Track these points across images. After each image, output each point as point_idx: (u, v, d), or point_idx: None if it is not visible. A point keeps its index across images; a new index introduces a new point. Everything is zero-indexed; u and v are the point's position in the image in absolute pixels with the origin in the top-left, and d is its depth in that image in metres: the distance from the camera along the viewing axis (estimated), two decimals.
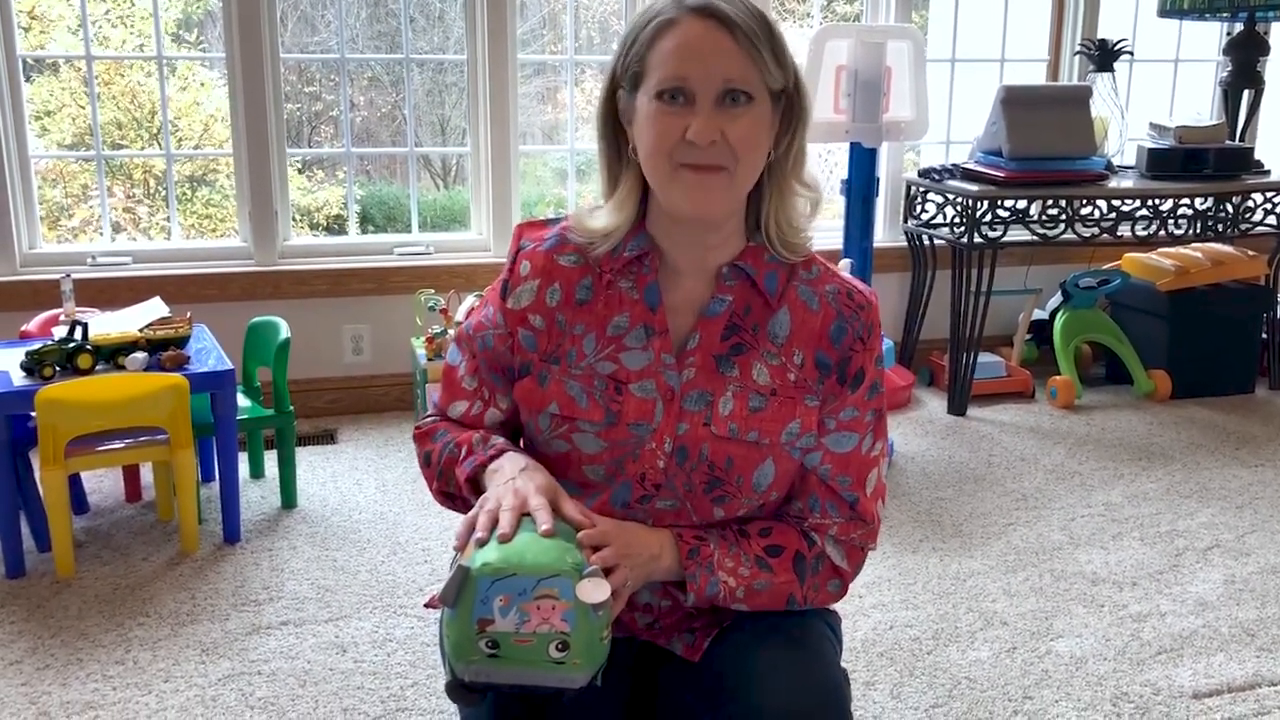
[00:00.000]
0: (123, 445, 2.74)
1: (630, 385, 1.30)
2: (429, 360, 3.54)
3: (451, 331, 3.57)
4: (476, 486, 1.29)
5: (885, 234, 4.37)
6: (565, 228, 1.37)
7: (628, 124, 1.30)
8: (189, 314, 3.00)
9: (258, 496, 3.15)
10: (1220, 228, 4.06)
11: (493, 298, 1.39)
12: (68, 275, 3.06)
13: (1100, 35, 4.28)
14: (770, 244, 1.33)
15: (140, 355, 2.74)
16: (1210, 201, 4.03)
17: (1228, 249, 4.23)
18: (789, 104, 1.29)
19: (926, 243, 4.19)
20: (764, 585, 1.30)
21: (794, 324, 1.33)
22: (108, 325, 2.86)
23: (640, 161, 1.28)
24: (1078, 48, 4.33)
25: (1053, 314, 4.29)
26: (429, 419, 1.44)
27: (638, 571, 1.24)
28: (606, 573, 1.15)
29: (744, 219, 1.34)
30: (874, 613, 2.53)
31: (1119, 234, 3.93)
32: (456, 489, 1.33)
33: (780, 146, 1.30)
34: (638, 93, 1.26)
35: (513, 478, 1.22)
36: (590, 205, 1.38)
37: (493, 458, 1.29)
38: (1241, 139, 4.31)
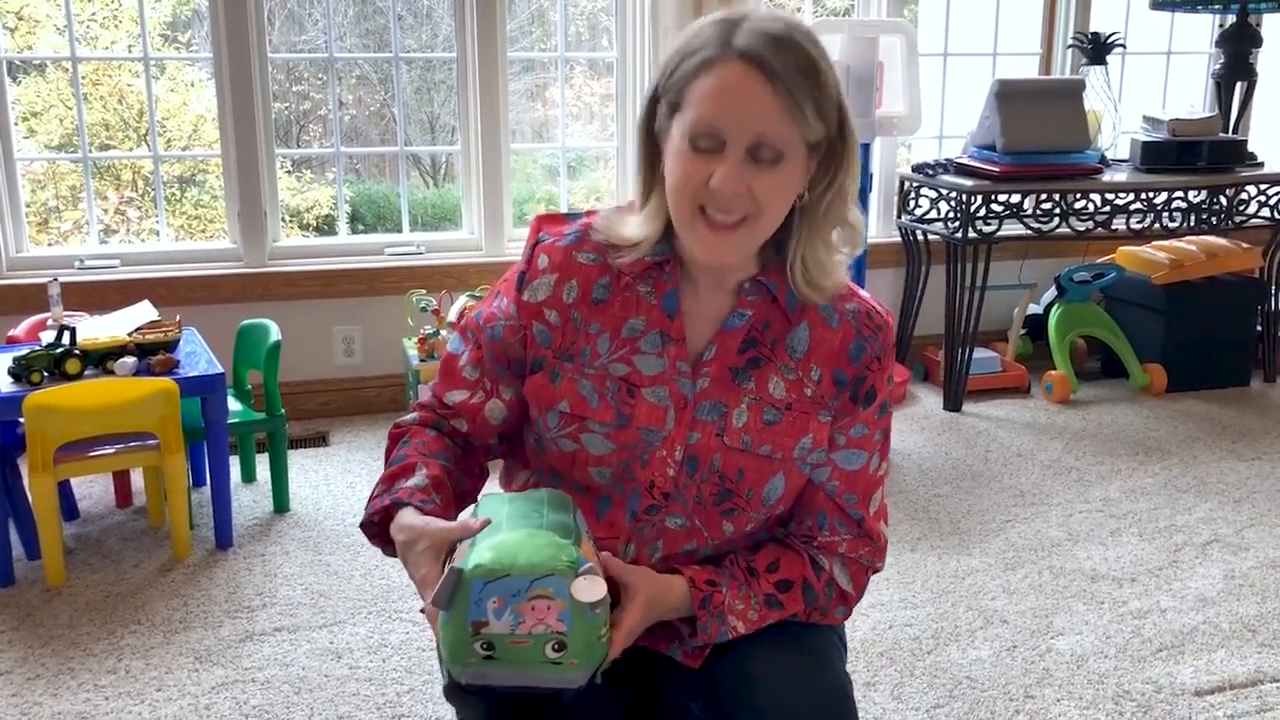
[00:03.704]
0: (113, 451, 2.71)
1: (643, 390, 1.29)
2: (421, 361, 3.52)
3: (444, 332, 3.55)
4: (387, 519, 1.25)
5: (879, 230, 4.36)
6: (587, 225, 1.34)
7: (662, 140, 1.27)
8: (178, 317, 2.97)
9: (250, 501, 3.12)
10: (1214, 220, 4.05)
11: (507, 289, 1.36)
12: (55, 279, 3.03)
13: (1092, 28, 4.27)
14: (794, 282, 1.29)
15: (129, 360, 2.71)
16: (1204, 194, 4.02)
17: (1222, 242, 4.22)
18: (830, 149, 1.24)
19: (921, 238, 4.17)
20: (771, 622, 1.30)
21: (812, 340, 1.32)
22: (96, 329, 2.83)
23: (666, 186, 1.26)
24: (1070, 41, 4.32)
25: (1047, 308, 4.28)
26: (409, 418, 1.40)
27: (652, 620, 1.23)
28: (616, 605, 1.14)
29: (766, 245, 1.31)
30: (873, 612, 2.52)
31: (1113, 228, 3.92)
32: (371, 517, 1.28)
33: (815, 189, 1.26)
34: (673, 120, 1.24)
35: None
36: (616, 207, 1.35)
37: (389, 508, 1.24)
38: (1235, 131, 4.31)
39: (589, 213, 1.37)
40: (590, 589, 1.06)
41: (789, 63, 1.17)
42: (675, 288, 1.31)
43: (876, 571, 1.39)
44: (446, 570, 1.08)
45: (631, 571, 1.22)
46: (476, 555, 1.08)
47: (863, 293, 1.37)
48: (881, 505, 1.38)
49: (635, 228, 1.30)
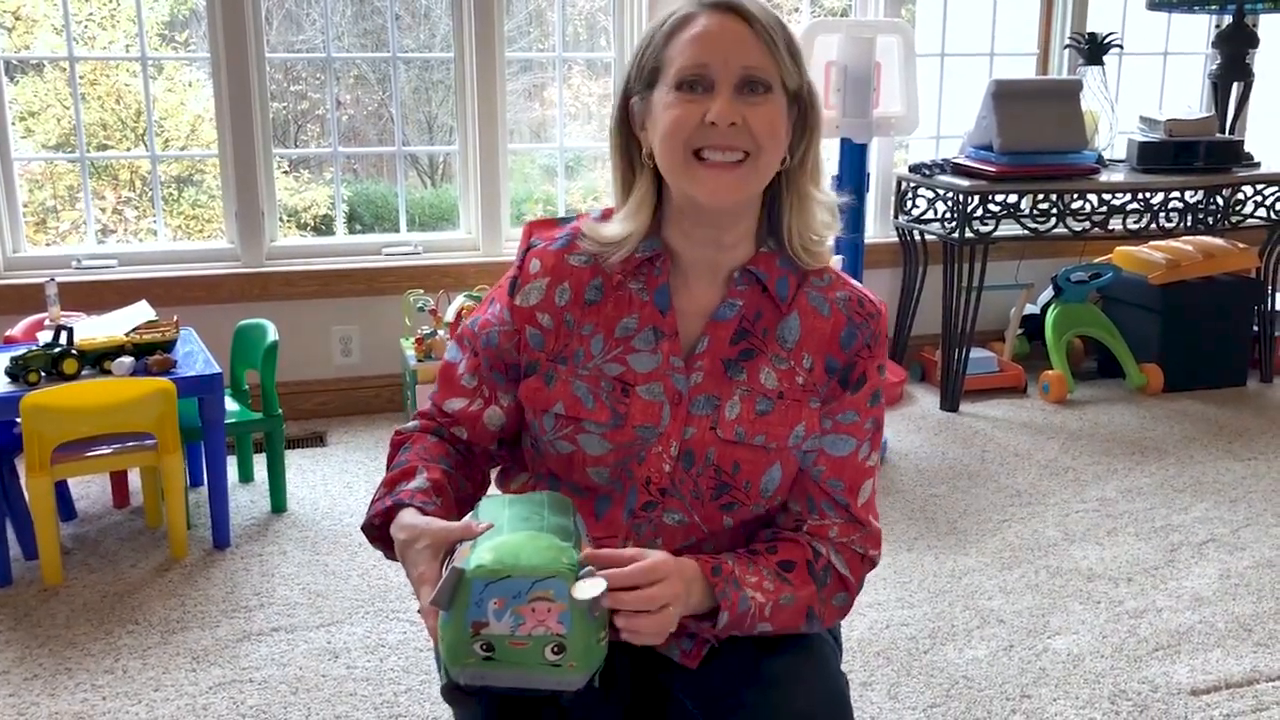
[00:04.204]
0: (110, 451, 2.72)
1: (638, 388, 1.29)
2: (418, 361, 3.52)
3: (441, 332, 3.55)
4: (387, 520, 1.25)
5: (876, 230, 4.36)
6: (577, 229, 1.35)
7: (641, 128, 1.29)
8: (175, 317, 2.97)
9: (247, 501, 3.12)
10: (1211, 220, 4.06)
11: (500, 295, 1.37)
12: (52, 279, 3.03)
13: (1089, 28, 4.28)
14: (795, 254, 1.32)
15: (126, 360, 2.71)
16: (1201, 194, 4.02)
17: (1218, 242, 4.23)
18: (802, 111, 1.29)
19: (918, 238, 4.18)
20: (789, 600, 1.27)
21: (803, 329, 1.32)
22: (93, 330, 2.83)
23: (655, 151, 1.27)
24: (1067, 41, 4.33)
25: (1044, 308, 4.28)
26: (411, 425, 1.40)
27: (678, 608, 1.17)
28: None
29: (757, 224, 1.33)
30: (870, 612, 2.52)
31: (1110, 228, 3.93)
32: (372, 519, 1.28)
33: (795, 154, 1.29)
34: (653, 90, 1.26)
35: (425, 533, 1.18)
36: (597, 213, 1.36)
37: (391, 510, 1.24)
38: (1231, 131, 4.31)
39: (580, 216, 1.38)
40: (588, 587, 1.07)
41: (760, 9, 1.24)
42: (667, 282, 1.31)
43: (872, 562, 1.36)
44: (448, 570, 1.08)
45: (637, 551, 1.18)
46: (478, 556, 1.08)
47: (854, 281, 1.37)
48: (870, 498, 1.36)
49: (618, 225, 1.31)
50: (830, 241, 1.35)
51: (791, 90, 1.26)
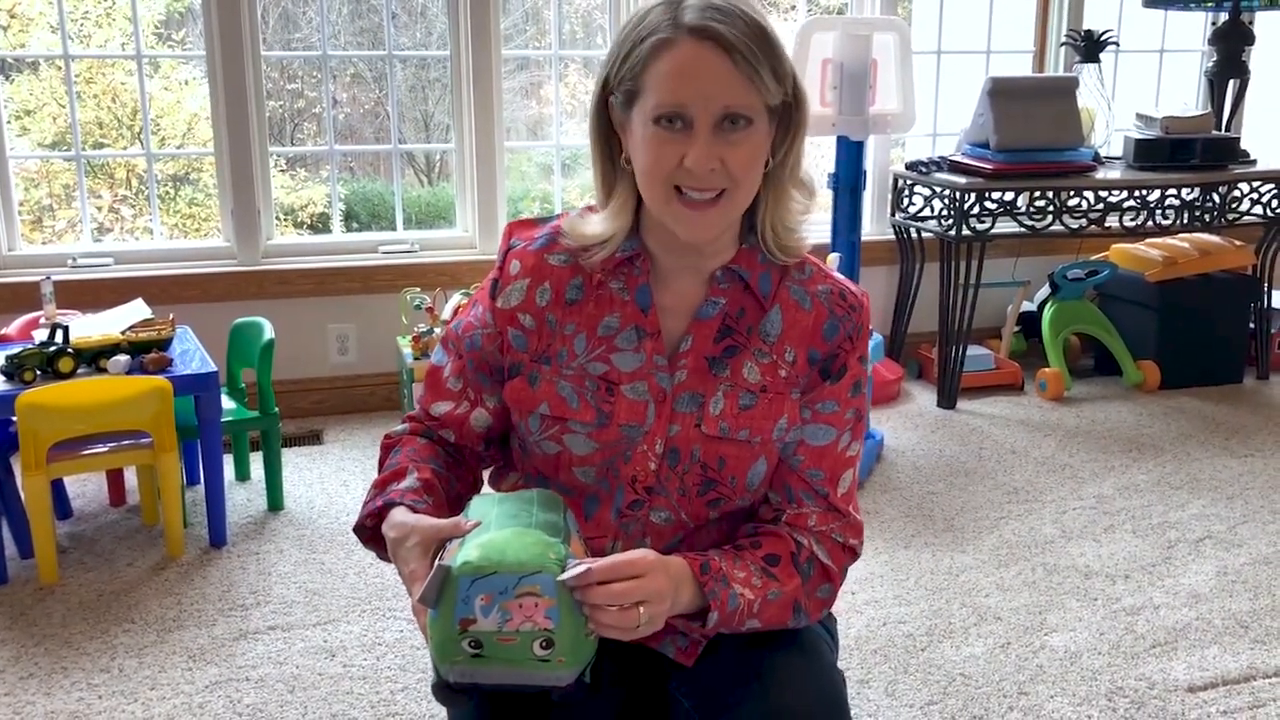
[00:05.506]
0: (106, 449, 2.71)
1: (622, 387, 1.29)
2: (415, 359, 3.52)
3: (438, 330, 3.55)
4: (379, 522, 1.25)
5: (873, 227, 4.35)
6: (556, 228, 1.34)
7: (622, 132, 1.27)
8: (171, 316, 2.97)
9: (243, 499, 3.12)
10: (1207, 218, 4.06)
11: (482, 297, 1.37)
12: (48, 277, 3.02)
13: (1086, 26, 4.28)
14: (767, 248, 1.31)
15: (122, 358, 2.70)
16: (1197, 192, 4.03)
17: (1215, 239, 4.23)
18: (787, 112, 1.26)
19: (914, 236, 4.17)
20: (776, 595, 1.27)
21: (785, 322, 1.32)
22: (89, 328, 2.83)
23: (636, 181, 1.26)
24: (1064, 39, 4.33)
25: (1041, 306, 4.28)
26: (400, 429, 1.40)
27: (661, 607, 1.16)
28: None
29: (738, 224, 1.32)
30: (867, 609, 2.52)
31: (1107, 225, 3.93)
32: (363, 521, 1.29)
33: (778, 154, 1.28)
34: (633, 110, 1.24)
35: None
36: (580, 210, 1.35)
37: (382, 510, 1.24)
38: (1227, 129, 4.31)
39: (560, 215, 1.37)
40: (574, 571, 1.07)
41: (742, 32, 1.18)
42: (647, 282, 1.31)
43: (853, 552, 1.35)
44: (434, 568, 1.08)
45: (626, 553, 1.19)
46: (464, 553, 1.08)
47: (835, 274, 1.37)
48: (851, 489, 1.35)
49: (600, 225, 1.30)
50: (803, 232, 1.33)
51: (774, 106, 1.23)
